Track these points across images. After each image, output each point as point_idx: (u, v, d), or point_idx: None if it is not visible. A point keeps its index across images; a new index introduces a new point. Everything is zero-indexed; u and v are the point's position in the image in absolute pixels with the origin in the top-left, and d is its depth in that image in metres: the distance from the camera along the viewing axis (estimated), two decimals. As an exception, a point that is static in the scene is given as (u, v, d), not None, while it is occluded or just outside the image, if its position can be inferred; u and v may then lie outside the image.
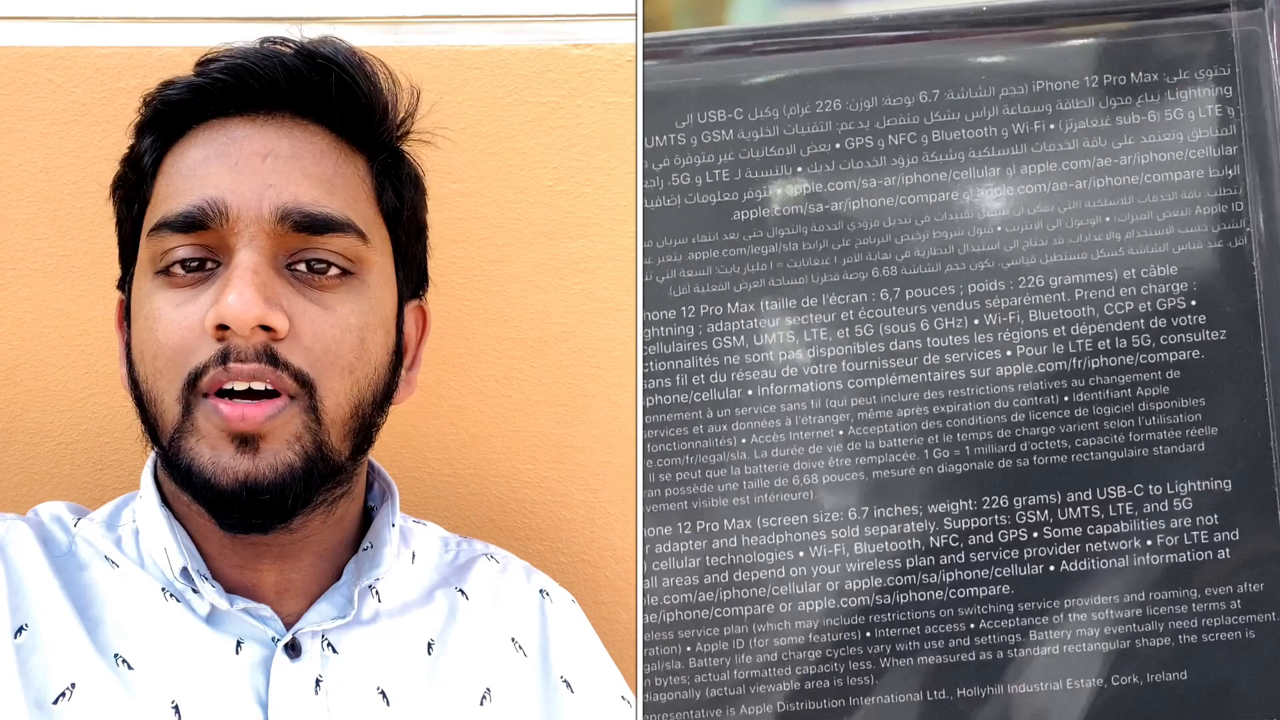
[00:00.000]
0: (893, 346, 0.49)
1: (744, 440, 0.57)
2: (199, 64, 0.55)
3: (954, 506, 0.48)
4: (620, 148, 0.67)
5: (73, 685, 0.49)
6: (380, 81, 0.56)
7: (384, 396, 0.55)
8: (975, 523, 0.48)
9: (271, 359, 0.50)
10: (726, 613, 0.57)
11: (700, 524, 0.58)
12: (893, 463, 0.49)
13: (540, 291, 0.68)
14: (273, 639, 0.52)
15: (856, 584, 0.50)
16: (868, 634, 0.49)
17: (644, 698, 0.57)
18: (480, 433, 0.68)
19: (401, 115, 0.57)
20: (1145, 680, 0.40)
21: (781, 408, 0.56)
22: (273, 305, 0.50)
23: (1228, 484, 0.44)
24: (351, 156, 0.55)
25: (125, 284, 0.56)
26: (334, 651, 0.53)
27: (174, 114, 0.54)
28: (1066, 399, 0.46)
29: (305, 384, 0.51)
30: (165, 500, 0.54)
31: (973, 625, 0.46)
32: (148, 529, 0.54)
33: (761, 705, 0.54)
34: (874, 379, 0.49)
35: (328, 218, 0.52)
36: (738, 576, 0.57)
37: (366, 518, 0.58)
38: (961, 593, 0.47)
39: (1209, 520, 0.44)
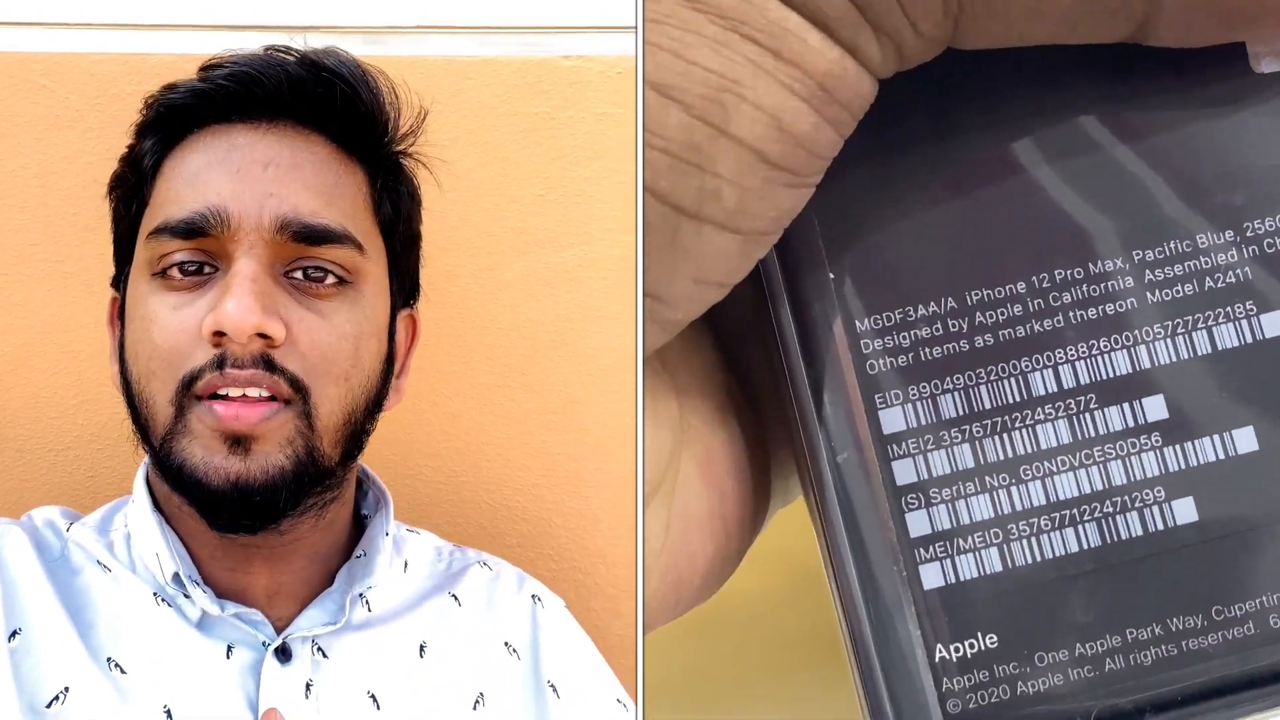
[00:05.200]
0: None
1: None
2: (203, 69, 0.54)
3: None
4: (611, 158, 0.67)
5: (66, 689, 0.49)
6: (383, 94, 0.56)
7: (375, 404, 0.55)
8: None
9: (268, 365, 0.50)
10: None
11: None
12: None
13: (532, 300, 0.68)
14: (263, 643, 0.52)
15: None
16: None
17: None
18: (472, 440, 0.68)
19: (404, 130, 0.57)
20: None
21: None
22: (270, 313, 0.50)
23: None
24: (351, 167, 0.55)
25: (119, 282, 0.56)
26: (324, 656, 0.53)
27: (176, 117, 0.54)
28: None
29: (300, 390, 0.51)
30: (157, 505, 0.54)
31: None
32: (139, 533, 0.54)
33: None
34: None
35: (326, 229, 0.52)
36: None
37: (358, 524, 0.58)
38: None
39: None
